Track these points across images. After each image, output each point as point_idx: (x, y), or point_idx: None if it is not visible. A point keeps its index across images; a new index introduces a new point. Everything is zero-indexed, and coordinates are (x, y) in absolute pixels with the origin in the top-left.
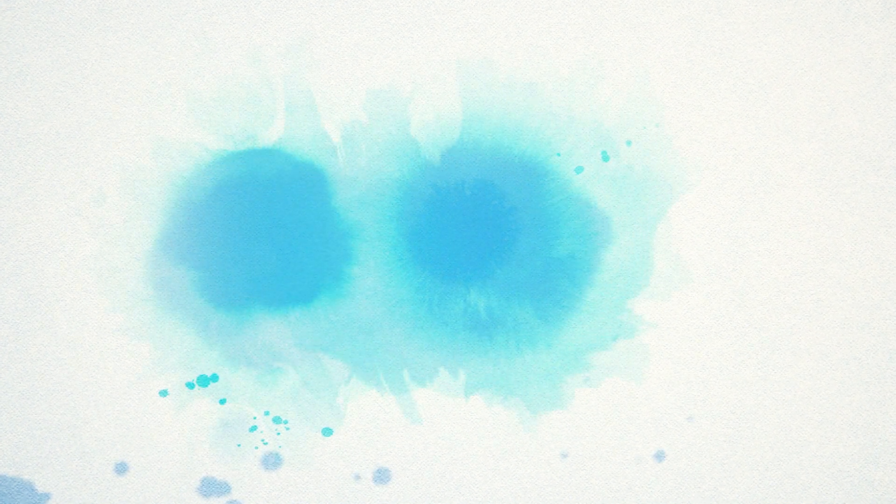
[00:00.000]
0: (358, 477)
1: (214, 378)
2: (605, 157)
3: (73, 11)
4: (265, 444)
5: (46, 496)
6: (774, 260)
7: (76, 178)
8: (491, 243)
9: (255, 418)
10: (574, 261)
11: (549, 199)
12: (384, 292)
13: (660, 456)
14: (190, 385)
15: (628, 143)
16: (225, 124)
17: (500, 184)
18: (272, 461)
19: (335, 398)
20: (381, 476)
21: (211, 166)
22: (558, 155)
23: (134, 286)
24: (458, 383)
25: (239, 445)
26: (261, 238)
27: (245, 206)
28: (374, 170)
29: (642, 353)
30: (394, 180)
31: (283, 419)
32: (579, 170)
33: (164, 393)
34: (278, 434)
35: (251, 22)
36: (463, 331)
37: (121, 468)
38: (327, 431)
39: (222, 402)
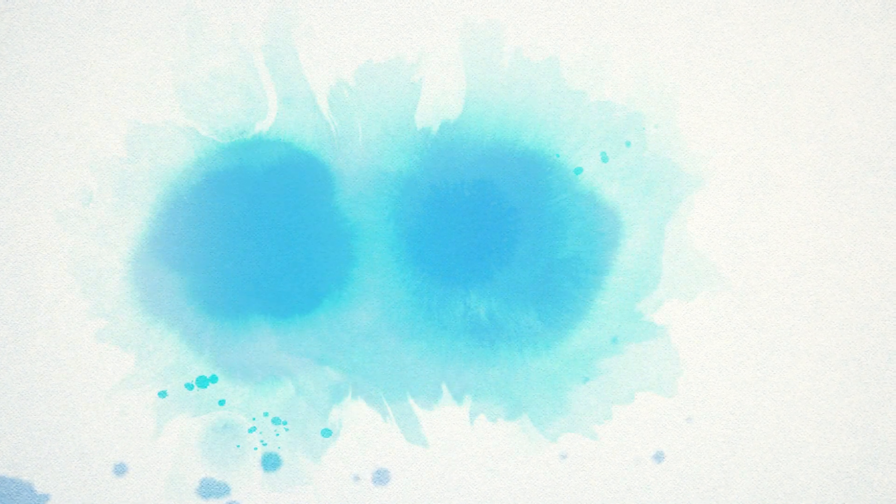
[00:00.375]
0: (357, 478)
1: (214, 379)
2: (605, 158)
3: (61, 9)
4: (264, 444)
5: (45, 497)
6: (774, 260)
7: (67, 179)
8: (491, 244)
9: (254, 419)
10: (579, 262)
11: (552, 198)
12: (381, 295)
13: (659, 457)
14: (189, 386)
15: (627, 143)
16: (216, 115)
17: (500, 182)
18: (271, 462)
19: (332, 409)
20: (381, 477)
21: (203, 161)
22: (557, 156)
23: (126, 289)
24: (457, 389)
25: (238, 446)
26: (253, 236)
27: (237, 201)
28: (372, 167)
29: (649, 356)
30: (391, 178)
31: (283, 420)
32: (578, 171)
33: (163, 394)
34: (277, 435)
35: (240, 7)
36: (463, 335)
37: (120, 469)
38: (326, 433)
39: (221, 402)
